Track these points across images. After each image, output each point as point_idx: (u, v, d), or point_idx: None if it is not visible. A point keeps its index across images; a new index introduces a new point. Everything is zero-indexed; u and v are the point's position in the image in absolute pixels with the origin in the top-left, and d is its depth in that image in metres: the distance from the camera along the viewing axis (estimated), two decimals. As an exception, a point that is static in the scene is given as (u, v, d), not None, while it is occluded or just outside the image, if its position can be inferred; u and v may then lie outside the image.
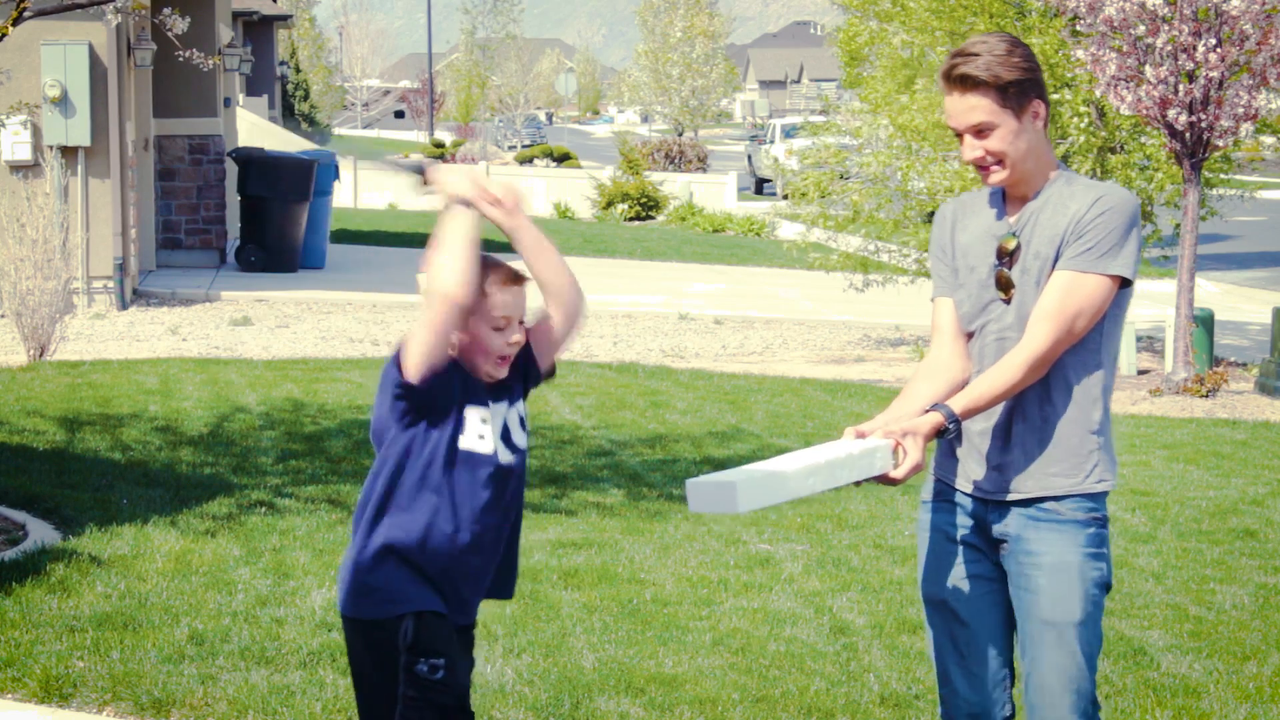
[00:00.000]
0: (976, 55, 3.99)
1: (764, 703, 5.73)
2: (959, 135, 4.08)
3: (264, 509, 8.28)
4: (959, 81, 4.01)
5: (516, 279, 3.96)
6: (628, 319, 18.52)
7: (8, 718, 5.45)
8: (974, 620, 4.16)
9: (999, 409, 4.08)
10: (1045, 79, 16.35)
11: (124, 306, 17.21)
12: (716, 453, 10.51)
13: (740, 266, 25.06)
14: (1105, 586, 4.09)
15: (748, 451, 10.62)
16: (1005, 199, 4.15)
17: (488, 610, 6.68)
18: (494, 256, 3.96)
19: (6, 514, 7.97)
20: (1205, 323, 14.54)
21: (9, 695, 5.61)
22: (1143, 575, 7.60)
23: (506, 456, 3.98)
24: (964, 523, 4.17)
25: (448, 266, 3.84)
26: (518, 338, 3.96)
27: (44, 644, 6.01)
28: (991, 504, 4.12)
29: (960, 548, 4.17)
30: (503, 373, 3.98)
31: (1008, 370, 3.99)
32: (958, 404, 4.00)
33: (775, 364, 15.58)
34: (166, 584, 6.86)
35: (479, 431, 3.93)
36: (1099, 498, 4.08)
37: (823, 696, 5.78)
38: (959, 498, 4.18)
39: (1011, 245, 4.07)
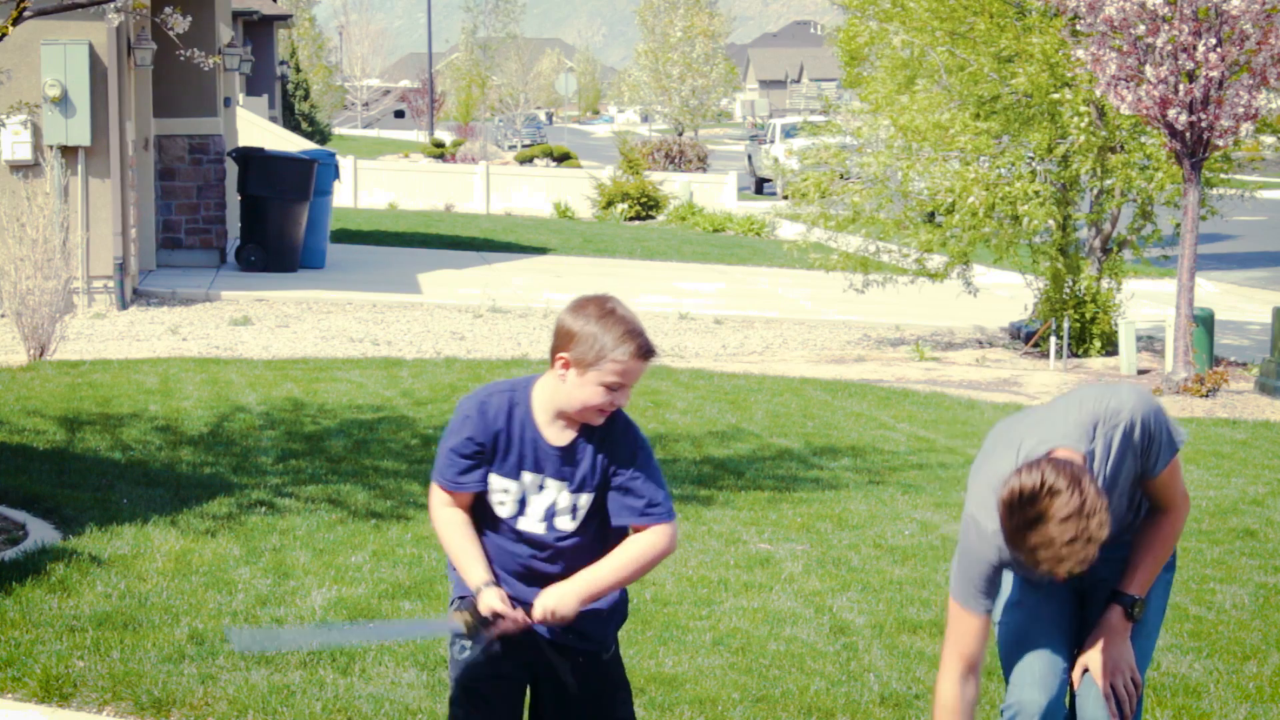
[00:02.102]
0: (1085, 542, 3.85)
1: (764, 703, 5.73)
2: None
3: (264, 509, 8.28)
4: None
5: (648, 355, 3.96)
6: (628, 319, 18.48)
7: (8, 717, 5.45)
8: (1048, 631, 4.25)
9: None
10: (1045, 80, 16.08)
11: (124, 306, 17.21)
12: (716, 452, 10.51)
13: (740, 266, 25.06)
14: (1163, 611, 4.34)
15: (748, 451, 10.62)
16: None
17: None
18: (640, 326, 3.98)
19: (6, 514, 7.97)
20: (1205, 322, 14.54)
21: (9, 695, 5.61)
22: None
23: (536, 528, 4.08)
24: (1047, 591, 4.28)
25: (438, 530, 4.12)
26: (620, 401, 3.99)
27: (44, 644, 6.01)
28: None
29: (1045, 620, 4.28)
30: (599, 421, 4.00)
31: (1172, 539, 4.20)
32: (1139, 587, 4.17)
33: (775, 364, 15.58)
34: (166, 584, 6.86)
35: (499, 499, 4.07)
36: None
37: (823, 696, 5.78)
38: None
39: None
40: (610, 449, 4.04)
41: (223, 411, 11.20)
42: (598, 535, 4.06)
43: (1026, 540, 3.76)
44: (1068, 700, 4.32)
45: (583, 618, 4.05)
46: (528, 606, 4.02)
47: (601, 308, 3.94)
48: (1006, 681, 4.32)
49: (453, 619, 3.98)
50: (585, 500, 4.03)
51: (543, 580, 4.05)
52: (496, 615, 3.95)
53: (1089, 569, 4.19)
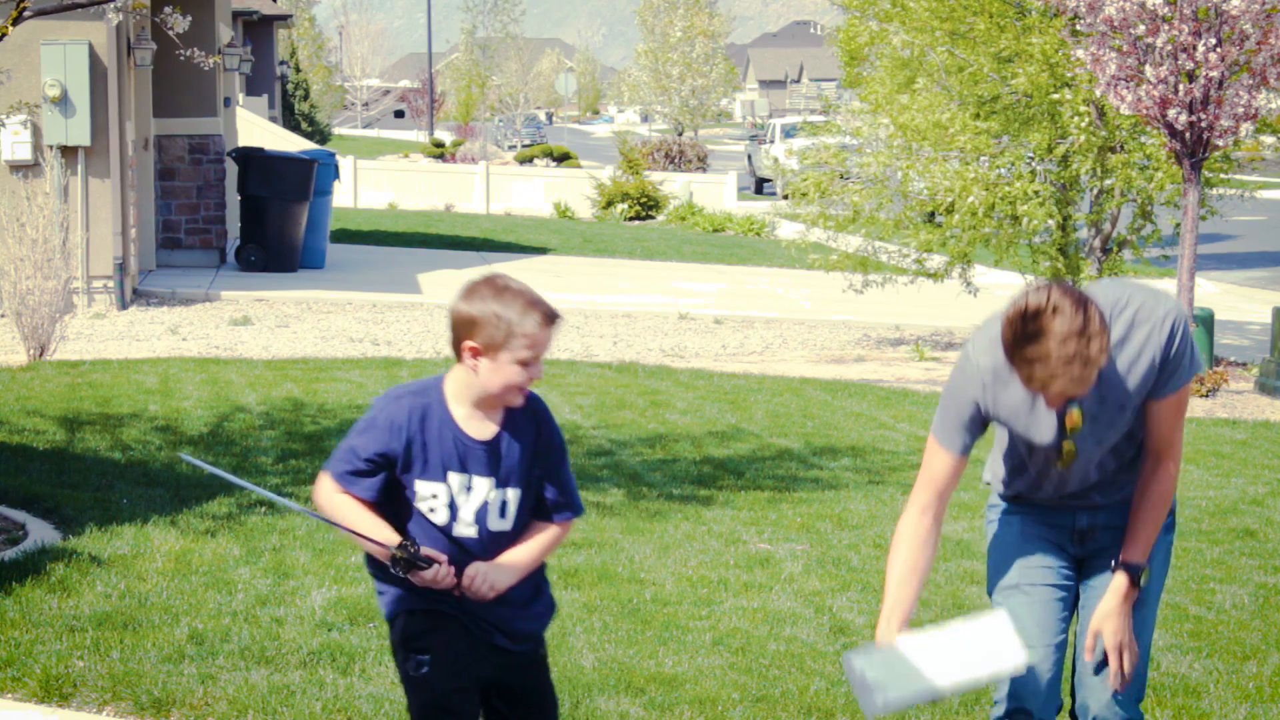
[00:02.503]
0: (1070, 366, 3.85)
1: (764, 703, 5.73)
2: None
3: (264, 509, 8.28)
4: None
5: (553, 320, 3.92)
6: (628, 319, 18.52)
7: (8, 718, 5.44)
8: (1043, 614, 4.24)
9: (1083, 481, 4.23)
10: (1045, 80, 16.09)
11: (124, 306, 17.21)
12: (716, 452, 10.51)
13: (740, 266, 25.06)
14: (1165, 572, 4.32)
15: (748, 451, 10.62)
16: None
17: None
18: (536, 294, 3.94)
19: (6, 514, 7.97)
20: (1205, 322, 14.55)
21: (9, 695, 5.61)
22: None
23: (468, 532, 4.01)
24: (1042, 518, 4.30)
25: (333, 520, 3.98)
26: (536, 373, 3.93)
27: (44, 644, 6.01)
28: (1080, 509, 4.28)
29: (1039, 542, 4.29)
30: (519, 400, 3.97)
31: (1166, 500, 4.17)
32: (1140, 554, 4.16)
33: (775, 364, 15.58)
34: (166, 584, 6.86)
35: (430, 507, 3.98)
36: (1173, 499, 4.29)
37: (823, 696, 5.78)
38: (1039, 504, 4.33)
39: (1079, 418, 4.09)
40: (534, 440, 4.02)
41: (223, 411, 11.20)
42: (522, 530, 4.05)
43: (1024, 353, 3.80)
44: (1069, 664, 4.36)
45: (524, 618, 4.07)
46: (467, 617, 4.01)
47: (494, 286, 3.90)
48: None
49: (390, 550, 3.86)
50: (514, 495, 3.98)
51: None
52: (431, 560, 3.87)
53: (1087, 533, 4.26)
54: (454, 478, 3.94)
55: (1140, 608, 4.21)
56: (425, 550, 3.89)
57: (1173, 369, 4.05)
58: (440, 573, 3.88)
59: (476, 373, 3.91)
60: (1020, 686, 4.21)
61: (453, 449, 3.93)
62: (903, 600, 4.10)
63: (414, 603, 4.00)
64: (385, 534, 3.90)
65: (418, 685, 4.00)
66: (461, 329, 3.90)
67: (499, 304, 3.86)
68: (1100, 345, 3.79)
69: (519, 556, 4.00)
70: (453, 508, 3.96)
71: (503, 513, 3.99)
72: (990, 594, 4.35)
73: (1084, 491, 4.25)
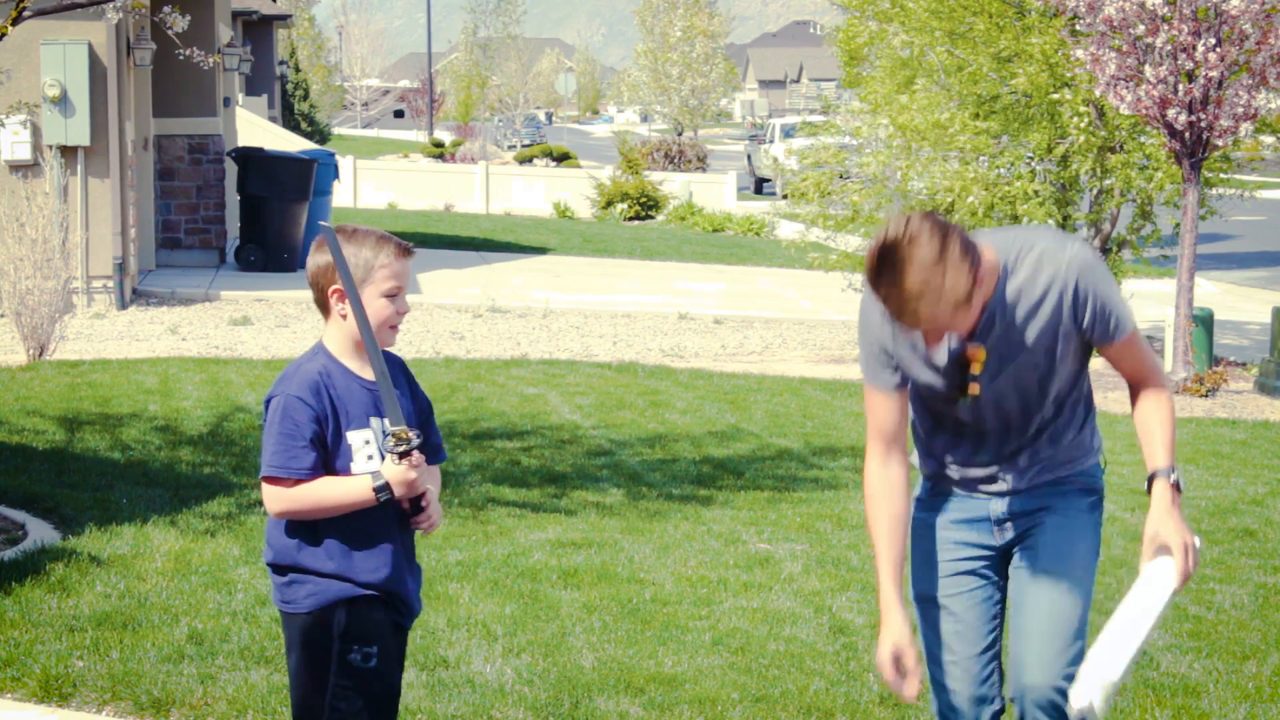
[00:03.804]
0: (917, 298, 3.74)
1: (764, 703, 5.73)
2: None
3: (264, 508, 8.26)
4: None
5: (407, 252, 3.99)
6: (627, 319, 18.52)
7: (8, 718, 5.44)
8: (967, 617, 4.18)
9: (998, 449, 4.13)
10: (1045, 80, 16.08)
11: (123, 306, 17.20)
12: (716, 452, 10.51)
13: (740, 266, 25.06)
14: (1096, 553, 4.17)
15: (748, 451, 10.62)
16: None
17: (485, 610, 6.68)
18: (385, 232, 3.99)
19: (6, 514, 7.97)
20: (1205, 322, 14.54)
21: (9, 695, 5.61)
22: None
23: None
24: (961, 515, 4.19)
25: (302, 510, 3.91)
26: (404, 308, 3.99)
27: (44, 644, 6.01)
28: (991, 496, 4.17)
29: (959, 545, 4.19)
30: (393, 339, 4.01)
31: (1169, 409, 4.11)
32: (1166, 458, 4.05)
33: (775, 364, 15.58)
34: (166, 584, 6.86)
35: (367, 454, 3.95)
36: (1095, 470, 4.22)
37: (823, 696, 5.78)
38: (954, 491, 4.21)
39: (982, 356, 3.98)
40: (411, 390, 4.08)
41: (222, 411, 11.20)
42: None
43: (882, 282, 3.71)
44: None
45: (417, 596, 4.07)
46: (399, 599, 3.99)
47: (344, 232, 3.96)
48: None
49: (400, 431, 3.85)
50: (418, 438, 3.97)
51: (408, 547, 4.04)
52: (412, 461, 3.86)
53: (1005, 521, 4.13)
54: (374, 422, 3.95)
55: (1066, 579, 4.08)
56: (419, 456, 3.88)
57: (1096, 311, 3.94)
58: (416, 458, 3.88)
59: (345, 317, 3.94)
60: (943, 704, 4.19)
61: (363, 395, 3.95)
62: (895, 554, 4.07)
63: (353, 590, 3.93)
64: (359, 477, 3.91)
65: (366, 678, 3.95)
66: (322, 277, 3.95)
67: (352, 245, 3.93)
68: (957, 278, 3.68)
69: (436, 499, 4.03)
70: (382, 453, 3.97)
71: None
72: (914, 600, 4.25)
73: (1000, 460, 4.11)
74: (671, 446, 10.65)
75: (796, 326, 18.48)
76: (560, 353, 15.52)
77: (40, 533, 7.64)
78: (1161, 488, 4.00)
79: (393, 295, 3.95)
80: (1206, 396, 13.75)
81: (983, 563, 4.19)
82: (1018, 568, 4.17)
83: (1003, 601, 4.23)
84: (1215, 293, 21.97)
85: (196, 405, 11.39)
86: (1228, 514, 9.06)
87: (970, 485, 4.18)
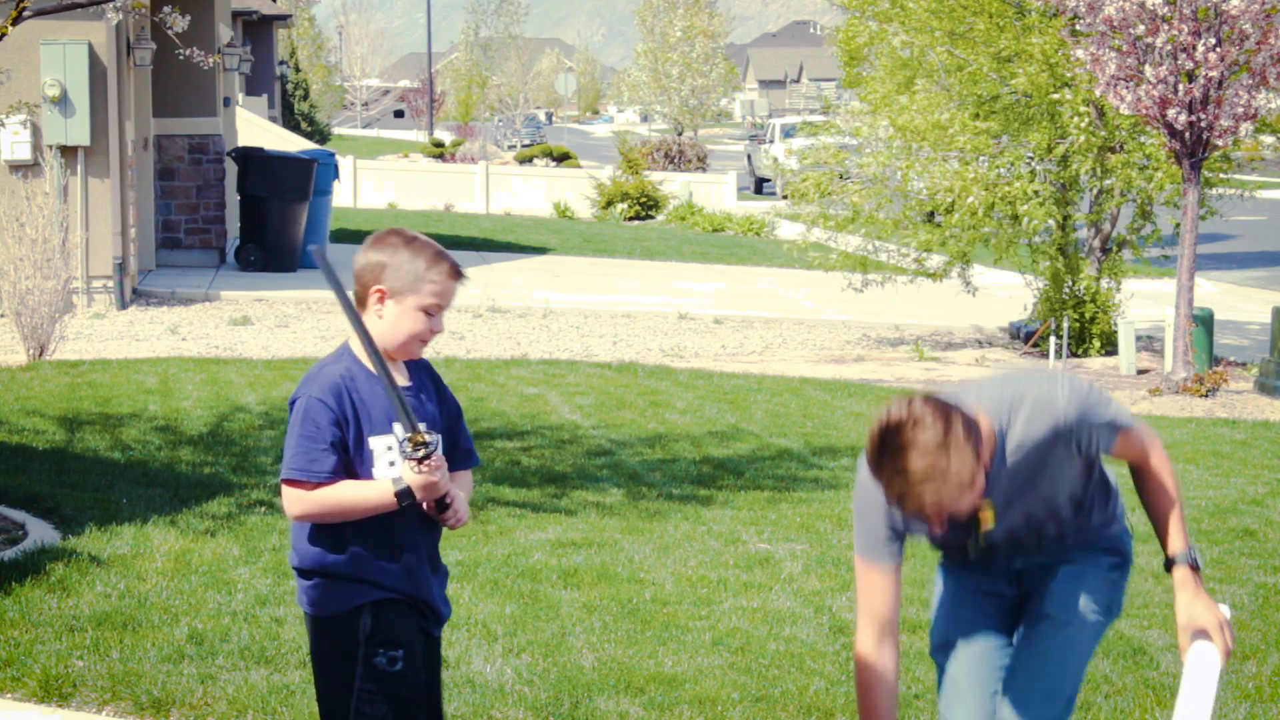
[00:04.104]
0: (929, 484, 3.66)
1: (764, 702, 5.73)
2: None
3: (264, 508, 8.28)
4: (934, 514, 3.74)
5: (459, 274, 3.96)
6: (627, 319, 18.52)
7: (8, 718, 5.44)
8: (981, 657, 4.14)
9: (1015, 557, 4.13)
10: (1045, 80, 16.03)
11: (123, 306, 17.20)
12: (716, 452, 10.51)
13: (740, 266, 25.06)
14: (1114, 613, 4.13)
15: (748, 451, 10.62)
16: None
17: (485, 610, 6.68)
18: (444, 249, 3.97)
19: (6, 514, 7.96)
20: (1205, 322, 14.55)
21: (9, 695, 5.60)
22: (1143, 575, 7.59)
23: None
24: (980, 575, 4.18)
25: (321, 514, 3.87)
26: (438, 328, 3.97)
27: (44, 644, 6.01)
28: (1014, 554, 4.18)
29: (974, 592, 4.18)
30: (420, 351, 3.98)
31: (1173, 483, 4.08)
32: (1181, 542, 4.02)
33: (775, 364, 15.58)
34: (166, 584, 6.86)
35: (389, 460, 3.91)
36: (1122, 533, 4.19)
37: (823, 696, 5.78)
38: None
39: (990, 514, 3.94)
40: (438, 393, 4.06)
41: (222, 411, 11.20)
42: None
43: (885, 468, 3.64)
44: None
45: (444, 601, 4.05)
46: (423, 604, 3.97)
47: (404, 236, 3.94)
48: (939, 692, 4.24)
49: (417, 434, 3.81)
50: (440, 440, 3.96)
51: (430, 550, 4.01)
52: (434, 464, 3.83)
53: (1023, 573, 4.12)
54: (397, 427, 3.91)
55: (1066, 628, 4.05)
56: (420, 438, 3.84)
57: (1093, 443, 3.93)
58: (435, 460, 3.84)
59: (381, 318, 3.93)
60: None
61: (387, 400, 3.90)
62: None
63: (379, 593, 3.91)
64: (380, 481, 3.87)
65: (391, 681, 3.91)
66: (369, 274, 3.94)
67: (409, 251, 3.92)
68: (962, 461, 3.62)
69: (463, 496, 4.00)
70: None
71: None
72: (931, 653, 4.25)
73: (1024, 554, 4.15)
74: (671, 446, 10.65)
75: (796, 326, 18.48)
76: (560, 353, 15.52)
77: (40, 533, 7.64)
78: (1183, 574, 4.00)
79: (431, 312, 3.92)
80: (1206, 396, 13.75)
81: (998, 606, 4.17)
82: (1025, 612, 4.16)
83: (1009, 629, 4.24)
84: (1215, 293, 21.97)
85: (196, 405, 11.38)
86: (1228, 514, 9.06)
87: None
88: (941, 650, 4.20)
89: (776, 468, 10.13)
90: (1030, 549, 4.10)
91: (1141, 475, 4.08)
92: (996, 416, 3.86)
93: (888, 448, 3.63)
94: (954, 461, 3.61)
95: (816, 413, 12.28)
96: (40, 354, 13.40)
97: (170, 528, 7.76)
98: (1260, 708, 5.80)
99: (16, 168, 16.71)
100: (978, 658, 4.13)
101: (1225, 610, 4.01)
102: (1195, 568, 3.98)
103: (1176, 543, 4.01)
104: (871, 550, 3.97)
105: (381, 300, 3.92)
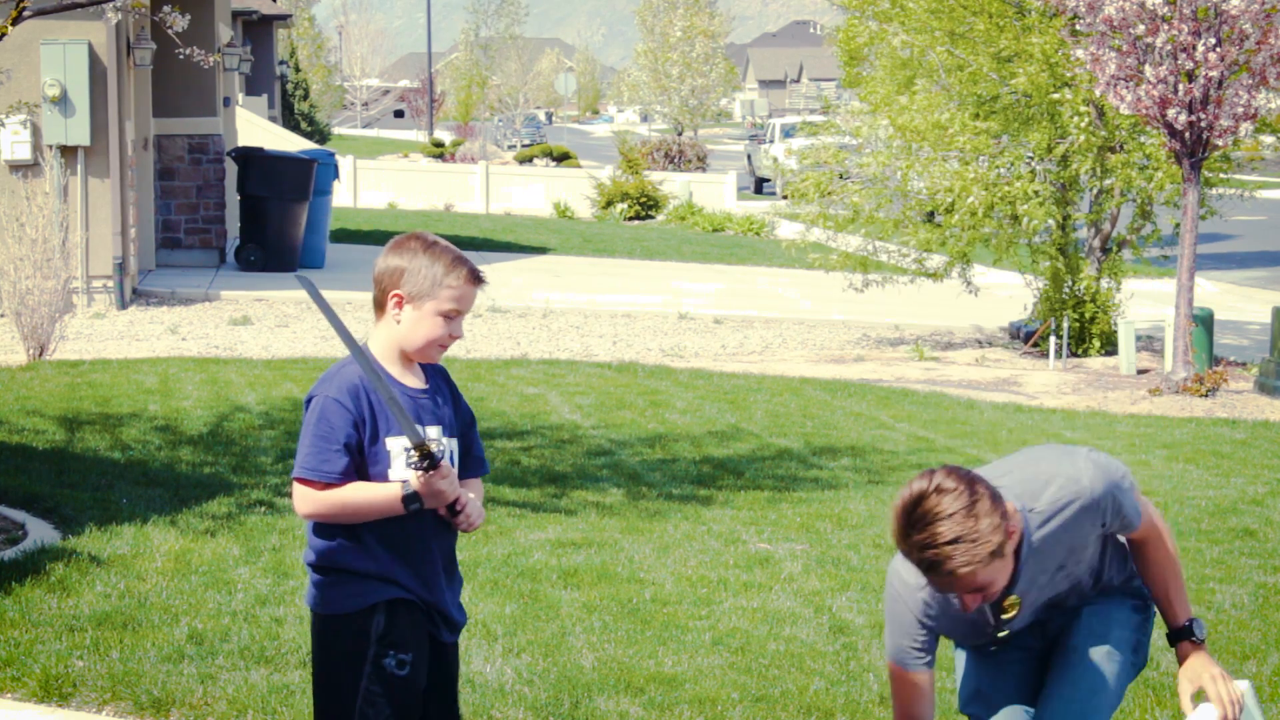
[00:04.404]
0: (952, 555, 3.65)
1: (764, 702, 5.73)
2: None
3: (264, 508, 8.28)
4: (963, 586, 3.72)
5: (478, 280, 3.95)
6: (627, 318, 18.52)
7: (7, 718, 5.44)
8: (1011, 700, 4.13)
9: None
10: (1045, 80, 16.00)
11: (123, 306, 17.20)
12: (716, 452, 10.51)
13: (740, 266, 25.06)
14: (1135, 651, 4.13)
15: (748, 451, 10.62)
16: None
17: (485, 610, 6.68)
18: (464, 254, 3.97)
19: (6, 513, 7.96)
20: (1205, 322, 14.55)
21: (9, 695, 5.60)
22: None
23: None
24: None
25: (330, 514, 3.86)
26: (457, 333, 3.96)
27: (44, 643, 6.01)
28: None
29: (1005, 650, 4.16)
30: (439, 356, 3.98)
31: (1173, 554, 4.11)
32: (1183, 614, 4.07)
33: (775, 363, 15.58)
34: (166, 583, 6.86)
35: (405, 460, 3.89)
36: (1143, 589, 4.20)
37: (823, 696, 5.78)
38: None
39: (1017, 603, 3.96)
40: (453, 399, 4.05)
41: (222, 411, 11.19)
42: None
43: (911, 539, 3.64)
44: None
45: (458, 607, 4.03)
46: (435, 610, 3.96)
47: (424, 241, 3.94)
48: None
49: (421, 445, 3.80)
50: (454, 445, 3.97)
51: (446, 555, 3.99)
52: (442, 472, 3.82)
53: (1046, 623, 4.11)
54: (410, 420, 3.89)
55: (1096, 657, 4.06)
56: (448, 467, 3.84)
57: (1119, 518, 3.95)
58: (444, 469, 3.83)
59: (399, 323, 3.93)
60: None
61: (405, 402, 3.90)
62: None
63: (395, 592, 3.88)
64: (390, 485, 3.87)
65: (398, 686, 3.88)
66: (388, 278, 3.93)
67: (428, 256, 3.91)
68: (991, 526, 3.62)
69: (475, 500, 3.99)
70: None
71: (451, 460, 3.98)
72: (960, 707, 4.23)
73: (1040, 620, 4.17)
74: (671, 446, 10.65)
75: (796, 326, 18.48)
76: (560, 353, 15.52)
77: (40, 533, 7.64)
78: (1184, 650, 4.07)
79: (450, 317, 3.91)
80: (1206, 396, 13.74)
81: (1024, 657, 4.16)
82: (1055, 647, 4.15)
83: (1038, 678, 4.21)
84: (1215, 293, 21.97)
85: (196, 405, 11.38)
86: (1228, 514, 9.06)
87: None
88: (973, 702, 4.17)
89: (776, 468, 10.13)
90: (1049, 611, 4.12)
91: (1142, 546, 4.11)
92: (1020, 500, 3.86)
93: (914, 520, 3.64)
94: (983, 524, 3.62)
95: (816, 413, 12.28)
96: (40, 354, 13.40)
97: (170, 528, 7.76)
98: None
99: (16, 168, 16.70)
100: (1014, 706, 4.11)
101: (1244, 685, 4.05)
102: (1196, 642, 4.06)
103: (1178, 615, 4.09)
104: (905, 656, 3.98)
105: (400, 305, 3.92)
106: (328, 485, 3.85)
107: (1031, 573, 3.92)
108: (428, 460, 3.79)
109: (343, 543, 3.88)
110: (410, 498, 3.83)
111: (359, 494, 3.85)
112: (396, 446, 3.89)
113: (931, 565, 3.64)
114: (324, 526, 3.90)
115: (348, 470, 3.85)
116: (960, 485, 3.63)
